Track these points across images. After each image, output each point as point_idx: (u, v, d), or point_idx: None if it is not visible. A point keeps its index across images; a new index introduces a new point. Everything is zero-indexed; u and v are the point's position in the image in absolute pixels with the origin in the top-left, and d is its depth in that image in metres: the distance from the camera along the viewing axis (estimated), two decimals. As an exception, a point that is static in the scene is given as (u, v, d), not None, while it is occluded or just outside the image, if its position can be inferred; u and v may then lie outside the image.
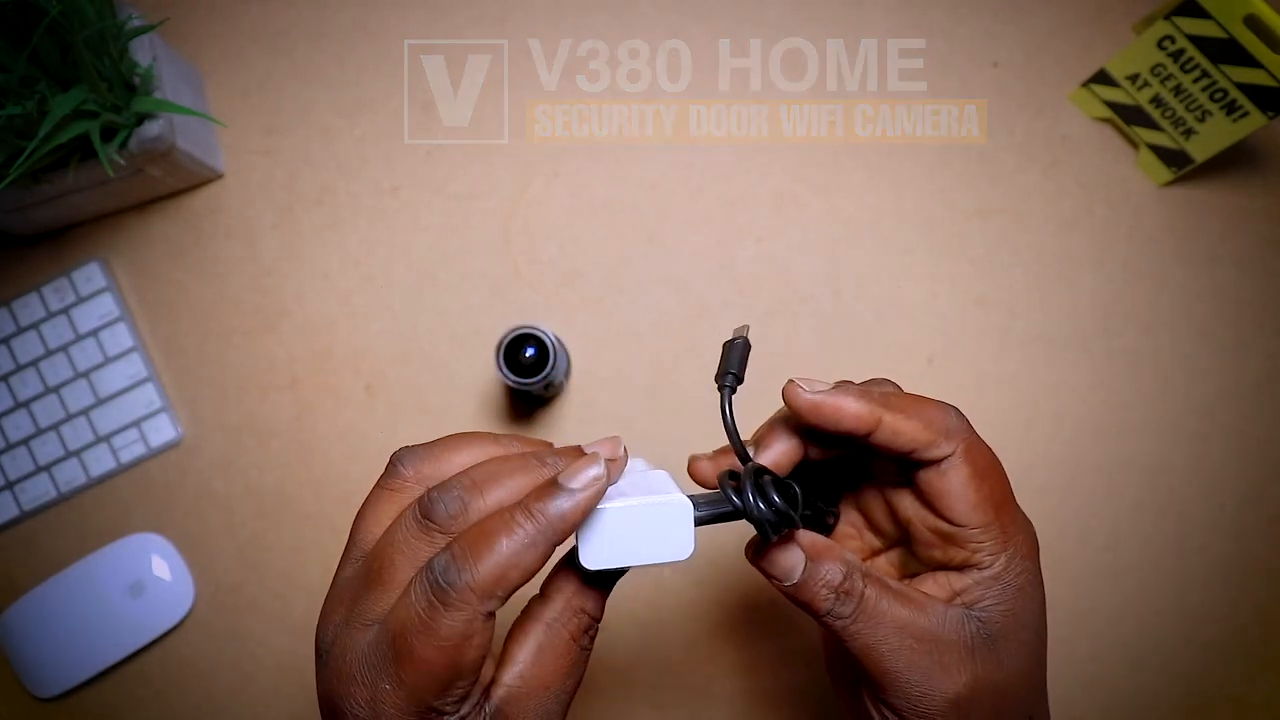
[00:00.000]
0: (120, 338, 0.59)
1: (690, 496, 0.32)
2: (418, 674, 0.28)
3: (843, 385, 0.33)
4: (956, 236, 0.60)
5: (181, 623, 0.58)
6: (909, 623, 0.31)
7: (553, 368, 0.52)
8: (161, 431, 0.59)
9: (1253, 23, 0.51)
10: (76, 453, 0.59)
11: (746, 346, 0.35)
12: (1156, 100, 0.57)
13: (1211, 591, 0.58)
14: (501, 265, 0.60)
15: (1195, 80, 0.55)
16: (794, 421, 0.34)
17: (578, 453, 0.32)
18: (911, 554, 0.35)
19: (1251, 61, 0.52)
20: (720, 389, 0.34)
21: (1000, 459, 0.34)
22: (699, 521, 0.32)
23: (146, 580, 0.58)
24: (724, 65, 0.61)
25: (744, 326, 0.36)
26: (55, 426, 0.59)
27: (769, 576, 0.33)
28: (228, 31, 0.62)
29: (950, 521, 0.32)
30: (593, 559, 0.30)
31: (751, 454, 0.34)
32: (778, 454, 0.34)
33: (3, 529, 0.60)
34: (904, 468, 0.33)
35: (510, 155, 0.61)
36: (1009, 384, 0.59)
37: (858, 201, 0.60)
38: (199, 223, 0.61)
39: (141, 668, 0.59)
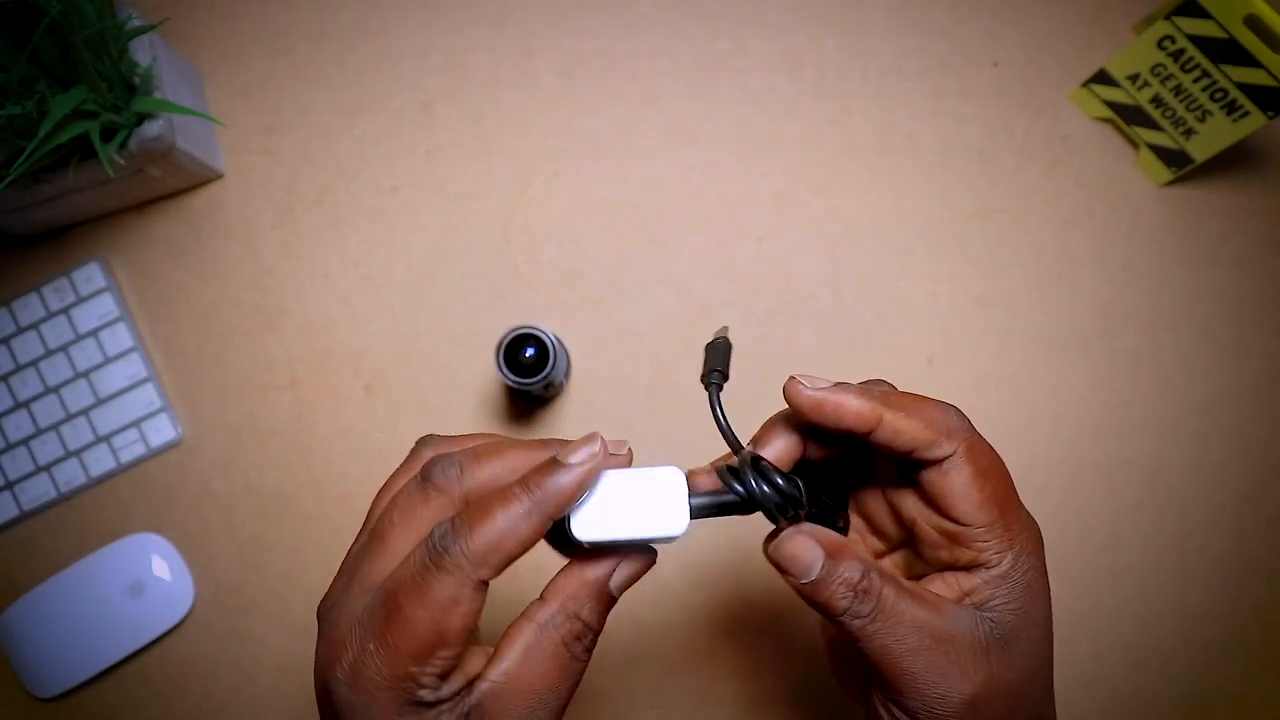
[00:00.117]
0: (120, 338, 0.59)
1: (691, 494, 0.32)
2: (402, 634, 0.28)
3: (843, 384, 0.33)
4: (956, 236, 0.60)
5: (181, 623, 0.58)
6: (926, 623, 0.31)
7: (553, 368, 0.52)
8: (161, 431, 0.59)
9: (1253, 23, 0.51)
10: (76, 453, 0.59)
11: (728, 345, 0.35)
12: (1157, 100, 0.57)
13: (1211, 591, 0.58)
14: (501, 265, 0.60)
15: (1195, 80, 0.55)
16: (794, 420, 0.34)
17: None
18: (916, 555, 0.35)
19: (1251, 61, 0.52)
20: (708, 386, 0.34)
21: (1001, 458, 0.34)
22: (700, 510, 0.32)
23: (146, 580, 0.58)
24: (724, 65, 0.61)
25: (723, 328, 0.36)
26: (55, 426, 0.59)
27: (785, 574, 0.32)
28: (228, 31, 0.62)
29: (955, 521, 0.32)
30: (583, 529, 0.30)
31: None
32: (777, 450, 0.34)
33: (3, 529, 0.60)
34: (906, 468, 0.33)
35: (510, 155, 0.61)
36: (1009, 384, 0.59)
37: (858, 201, 0.60)
38: (199, 223, 0.61)
39: (141, 668, 0.59)
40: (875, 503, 0.36)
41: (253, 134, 0.61)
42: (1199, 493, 0.58)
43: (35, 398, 0.59)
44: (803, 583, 0.32)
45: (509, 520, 0.29)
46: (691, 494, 0.32)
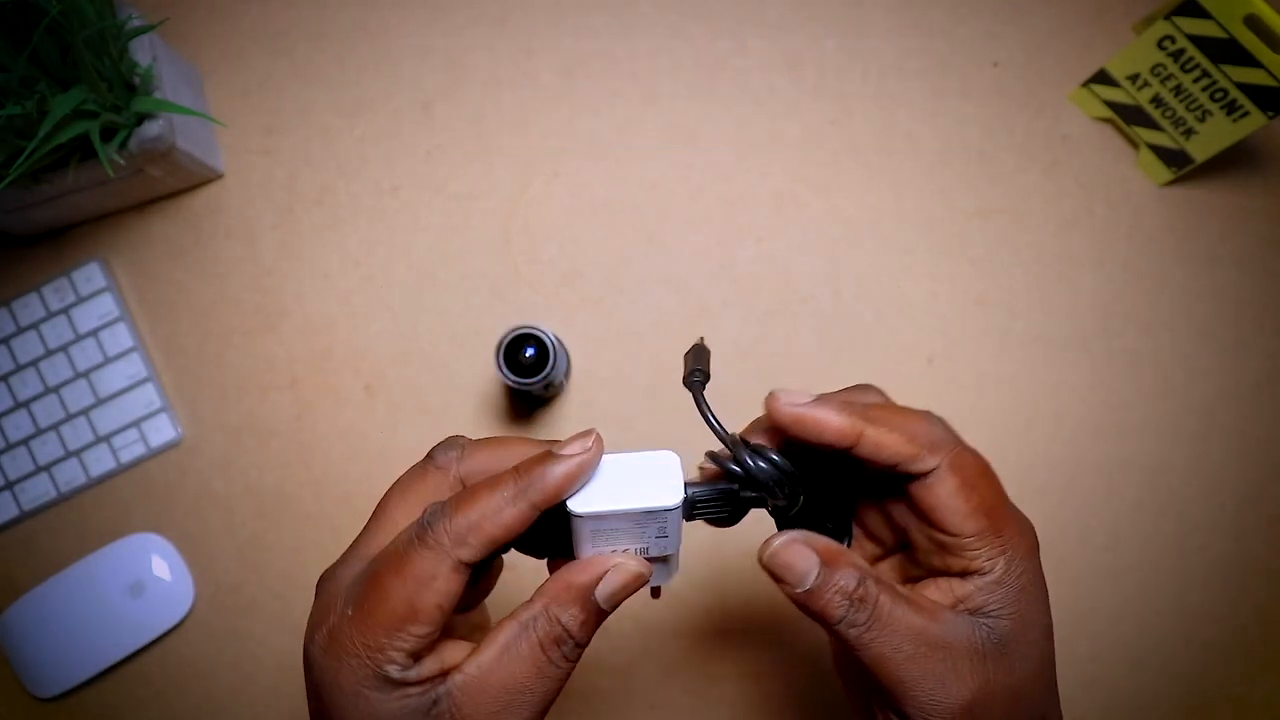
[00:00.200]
0: (120, 338, 0.59)
1: (688, 484, 0.32)
2: (376, 603, 0.29)
3: (824, 398, 0.32)
4: (956, 236, 0.60)
5: (181, 623, 0.58)
6: (922, 630, 0.31)
7: (553, 368, 0.52)
8: (161, 431, 0.59)
9: (1253, 23, 0.51)
10: (76, 453, 0.59)
11: (706, 349, 0.36)
12: (1157, 100, 0.57)
13: (1211, 591, 0.58)
14: (501, 265, 0.60)
15: (1195, 80, 0.55)
16: (777, 430, 0.34)
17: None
18: (911, 560, 0.35)
19: (1251, 61, 0.52)
20: (690, 386, 0.34)
21: (999, 459, 0.33)
22: (698, 499, 0.32)
23: (146, 580, 0.58)
24: (724, 65, 0.61)
25: (700, 338, 0.37)
26: (55, 426, 0.59)
27: (780, 582, 0.32)
28: (228, 31, 0.62)
29: (943, 532, 0.32)
30: (579, 504, 0.31)
31: None
32: (766, 441, 0.34)
33: (3, 529, 0.60)
34: (894, 479, 0.33)
35: (510, 155, 0.61)
36: (1009, 384, 0.59)
37: (858, 201, 0.60)
38: (199, 223, 0.61)
39: (141, 668, 0.59)
40: (870, 509, 0.36)
41: (253, 134, 0.61)
42: (1199, 493, 0.58)
43: (35, 398, 0.59)
44: (798, 591, 0.32)
45: (492, 502, 0.30)
46: (689, 483, 0.32)
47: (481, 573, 0.35)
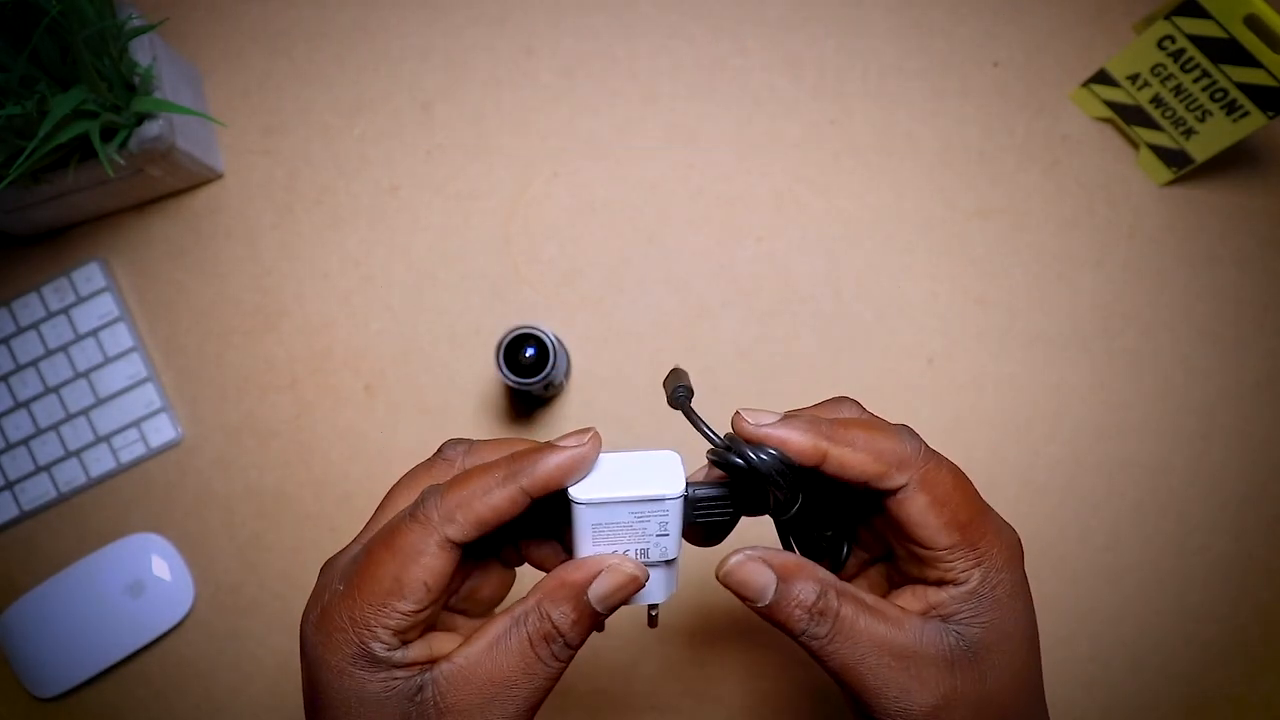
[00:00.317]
0: (120, 338, 0.59)
1: (690, 482, 0.32)
2: (365, 577, 0.30)
3: (791, 416, 0.32)
4: (956, 236, 0.60)
5: (181, 623, 0.58)
6: (885, 639, 0.31)
7: (553, 368, 0.52)
8: (161, 431, 0.59)
9: (1253, 23, 0.51)
10: (76, 453, 0.59)
11: (683, 370, 0.36)
12: (1157, 100, 0.57)
13: (1211, 591, 0.58)
14: (501, 265, 0.60)
15: (1195, 80, 0.55)
16: None
17: None
18: (894, 567, 0.35)
19: (1251, 61, 0.52)
20: (676, 403, 0.34)
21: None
22: (700, 501, 0.33)
23: (146, 580, 0.58)
24: (724, 65, 0.61)
25: (674, 367, 0.37)
26: (55, 426, 0.59)
27: (742, 598, 0.32)
28: (228, 31, 0.62)
29: (918, 545, 0.32)
30: (580, 492, 0.31)
31: None
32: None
33: (3, 529, 0.60)
34: (872, 494, 0.33)
35: (510, 155, 0.61)
36: (1009, 384, 0.59)
37: (858, 201, 0.60)
38: (199, 223, 0.61)
39: (141, 668, 0.59)
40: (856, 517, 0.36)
41: (253, 134, 0.61)
42: (1199, 493, 0.58)
43: (35, 398, 0.59)
44: (758, 606, 0.32)
45: (483, 483, 0.30)
46: (691, 482, 0.32)
47: (479, 571, 0.35)
